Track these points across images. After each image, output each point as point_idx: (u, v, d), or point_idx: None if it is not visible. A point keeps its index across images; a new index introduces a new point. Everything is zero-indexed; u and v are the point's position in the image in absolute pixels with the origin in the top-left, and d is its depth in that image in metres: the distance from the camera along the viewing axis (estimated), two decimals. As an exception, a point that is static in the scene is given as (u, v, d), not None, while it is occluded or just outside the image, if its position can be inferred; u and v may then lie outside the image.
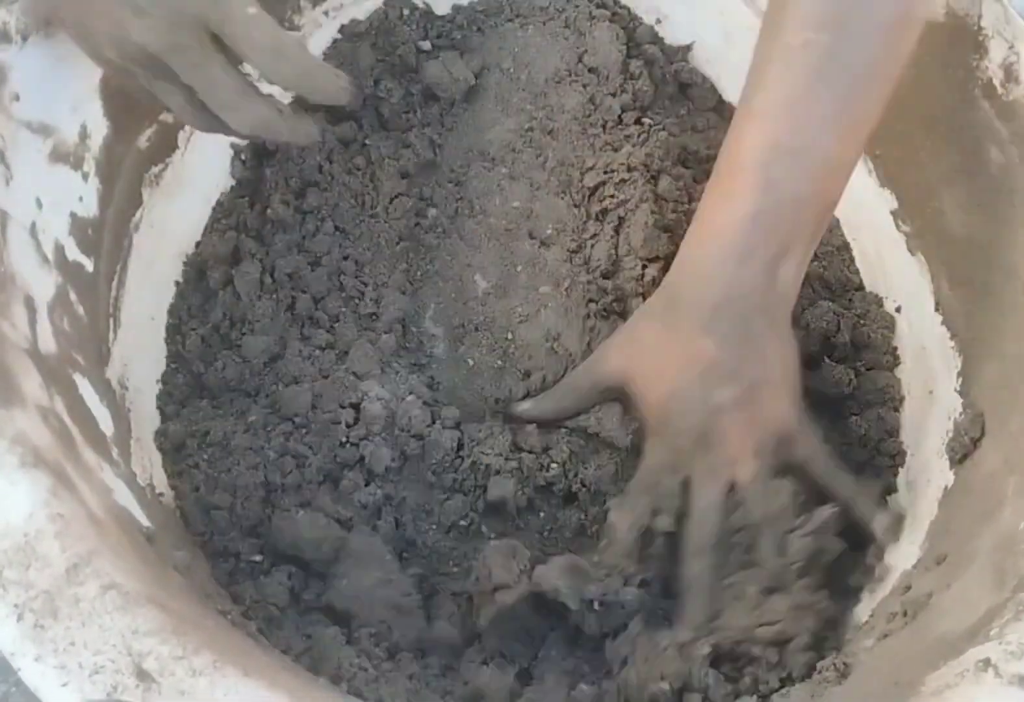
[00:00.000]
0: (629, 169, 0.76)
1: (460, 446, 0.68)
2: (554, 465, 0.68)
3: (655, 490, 0.65)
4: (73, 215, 0.61)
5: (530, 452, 0.69)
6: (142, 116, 0.68)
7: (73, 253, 0.60)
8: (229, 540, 0.62)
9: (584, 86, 0.80)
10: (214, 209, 0.75)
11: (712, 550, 0.63)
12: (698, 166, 0.81)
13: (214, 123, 0.58)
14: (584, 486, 0.68)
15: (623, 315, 0.73)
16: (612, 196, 0.76)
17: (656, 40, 0.84)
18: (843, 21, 0.59)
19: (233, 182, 0.76)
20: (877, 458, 0.71)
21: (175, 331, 0.71)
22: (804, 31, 0.60)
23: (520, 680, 0.61)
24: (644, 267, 0.74)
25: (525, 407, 0.71)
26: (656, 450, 0.66)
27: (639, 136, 0.79)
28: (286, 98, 0.61)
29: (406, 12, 0.82)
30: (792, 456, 0.65)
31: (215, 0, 0.54)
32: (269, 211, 0.74)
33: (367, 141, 0.78)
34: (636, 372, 0.66)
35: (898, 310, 0.76)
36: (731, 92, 0.84)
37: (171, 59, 0.55)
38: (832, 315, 0.74)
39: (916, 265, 0.74)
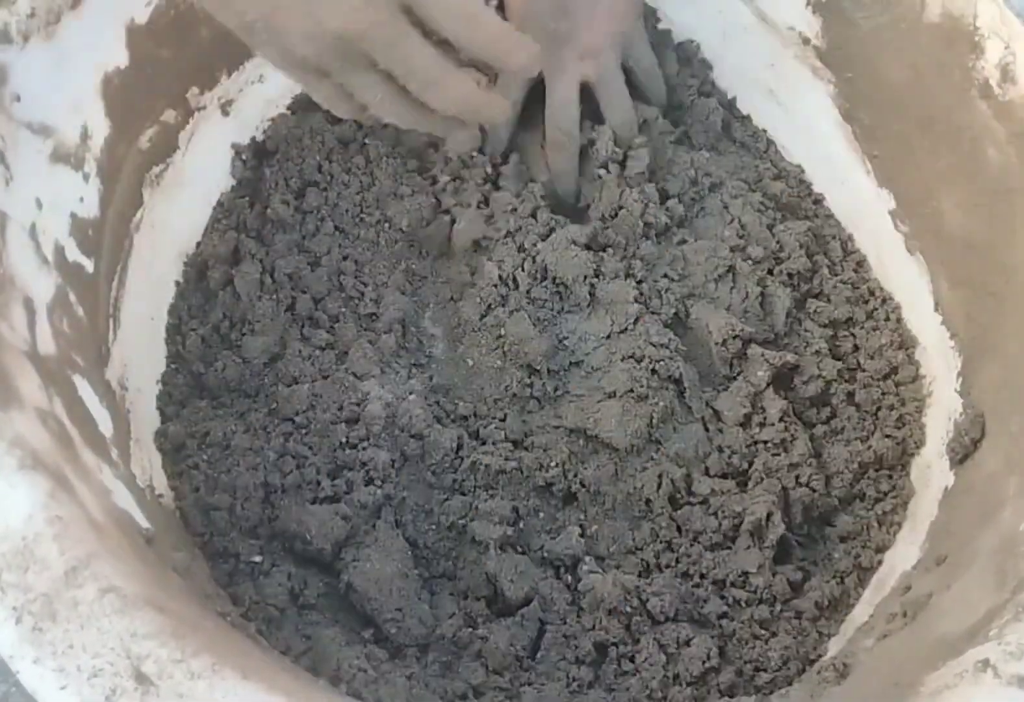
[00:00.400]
0: None
1: (460, 446, 0.68)
2: (553, 465, 0.68)
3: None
4: (73, 216, 0.61)
5: (530, 451, 0.69)
6: (143, 116, 0.68)
7: (73, 254, 0.60)
8: (229, 541, 0.62)
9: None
10: (214, 209, 0.75)
11: (574, 141, 0.75)
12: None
13: (415, 113, 0.58)
14: (583, 486, 0.68)
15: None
16: None
17: (655, 38, 0.84)
18: None
19: (233, 182, 0.76)
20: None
21: (175, 331, 0.71)
22: None
23: (518, 679, 0.61)
24: None
25: None
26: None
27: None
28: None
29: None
30: (626, 54, 0.77)
31: None
32: (269, 211, 0.75)
33: (367, 141, 0.78)
34: None
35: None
36: (729, 89, 0.85)
37: (368, 41, 0.54)
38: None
39: (915, 265, 0.74)
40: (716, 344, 0.73)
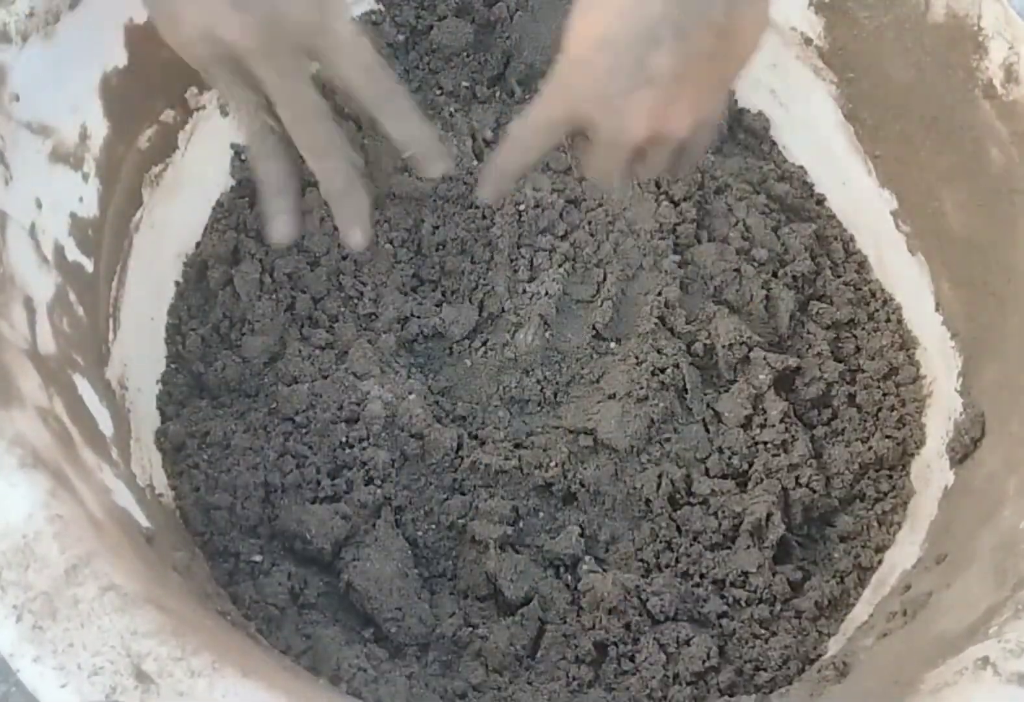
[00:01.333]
0: None
1: (460, 446, 0.68)
2: (553, 465, 0.68)
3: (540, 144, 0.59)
4: (73, 215, 0.61)
5: (530, 450, 0.69)
6: (142, 116, 0.68)
7: (73, 253, 0.60)
8: (229, 540, 0.62)
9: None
10: (214, 209, 0.75)
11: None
12: None
13: (278, 145, 0.58)
14: (583, 486, 0.68)
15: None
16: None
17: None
18: None
19: (233, 182, 0.76)
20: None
21: (175, 331, 0.71)
22: None
23: (518, 679, 0.61)
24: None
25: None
26: (552, 102, 0.57)
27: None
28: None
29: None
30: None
31: (321, 12, 0.54)
32: (269, 211, 0.74)
33: (365, 141, 0.78)
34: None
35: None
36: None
37: (258, 64, 0.54)
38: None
39: (916, 265, 0.74)
40: (723, 347, 0.73)
